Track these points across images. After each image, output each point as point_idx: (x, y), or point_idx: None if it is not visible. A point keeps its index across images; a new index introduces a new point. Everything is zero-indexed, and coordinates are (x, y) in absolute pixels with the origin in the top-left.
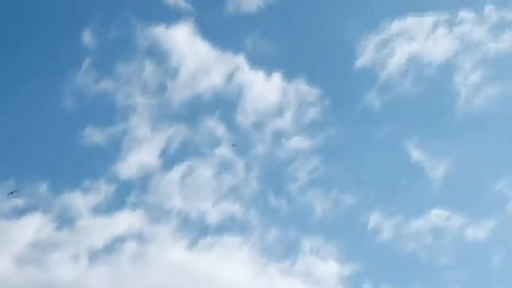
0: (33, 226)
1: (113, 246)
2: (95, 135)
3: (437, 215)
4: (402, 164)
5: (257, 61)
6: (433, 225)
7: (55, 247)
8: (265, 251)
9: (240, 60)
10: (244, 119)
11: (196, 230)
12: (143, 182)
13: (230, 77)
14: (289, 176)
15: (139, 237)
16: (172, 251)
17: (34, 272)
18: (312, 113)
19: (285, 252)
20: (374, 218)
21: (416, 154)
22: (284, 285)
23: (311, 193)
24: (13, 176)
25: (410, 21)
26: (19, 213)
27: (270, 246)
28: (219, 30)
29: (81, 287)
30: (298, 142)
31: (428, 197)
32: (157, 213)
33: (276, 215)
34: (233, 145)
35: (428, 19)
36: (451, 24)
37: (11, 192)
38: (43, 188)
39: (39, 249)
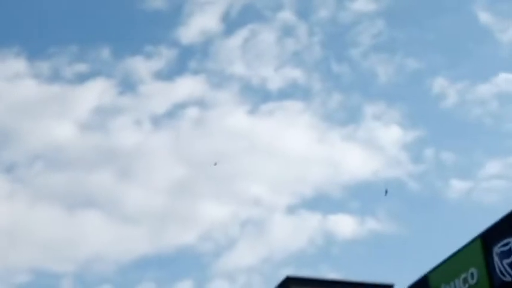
0: (95, 91)
1: (174, 112)
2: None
3: (504, 79)
4: (469, 27)
5: None
6: (500, 91)
7: (117, 112)
8: (326, 117)
9: None
10: None
11: (258, 96)
12: (204, 47)
13: None
14: (353, 40)
15: (201, 103)
16: (233, 117)
17: (97, 138)
18: None
19: (347, 118)
20: (439, 83)
21: (484, 17)
22: (346, 151)
23: (375, 58)
24: (75, 42)
25: None
26: (82, 78)
27: (331, 112)
28: None
29: (143, 152)
30: (362, 5)
31: (495, 62)
32: (219, 79)
33: (338, 81)
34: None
35: None
36: None
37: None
38: (105, 53)
39: (102, 115)
